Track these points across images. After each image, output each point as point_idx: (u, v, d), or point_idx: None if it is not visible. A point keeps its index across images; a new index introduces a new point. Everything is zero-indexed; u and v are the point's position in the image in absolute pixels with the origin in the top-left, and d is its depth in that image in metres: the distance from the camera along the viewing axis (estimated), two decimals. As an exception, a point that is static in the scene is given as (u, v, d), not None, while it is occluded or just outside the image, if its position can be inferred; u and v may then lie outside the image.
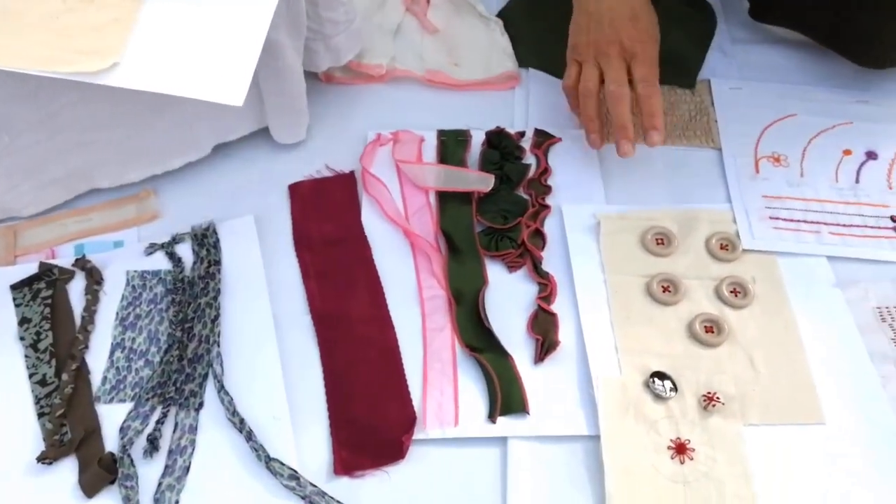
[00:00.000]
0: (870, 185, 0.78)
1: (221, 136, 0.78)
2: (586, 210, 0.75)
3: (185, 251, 0.72)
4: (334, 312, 0.68)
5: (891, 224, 0.75)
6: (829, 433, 0.61)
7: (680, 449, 0.60)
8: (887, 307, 0.69)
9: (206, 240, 0.72)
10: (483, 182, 0.76)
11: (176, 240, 0.73)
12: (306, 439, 0.61)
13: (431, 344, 0.66)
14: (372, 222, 0.75)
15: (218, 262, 0.70)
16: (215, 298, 0.68)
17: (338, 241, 0.73)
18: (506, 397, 0.63)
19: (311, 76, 0.84)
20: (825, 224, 0.75)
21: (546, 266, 0.72)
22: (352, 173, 0.79)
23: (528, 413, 0.62)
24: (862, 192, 0.77)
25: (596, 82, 0.74)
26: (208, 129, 0.77)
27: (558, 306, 0.69)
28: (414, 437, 0.61)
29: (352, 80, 0.87)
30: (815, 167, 0.79)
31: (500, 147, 0.79)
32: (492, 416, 0.62)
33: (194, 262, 0.71)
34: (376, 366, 0.65)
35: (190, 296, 0.68)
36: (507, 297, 0.70)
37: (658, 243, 0.73)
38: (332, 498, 0.57)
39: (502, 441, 0.61)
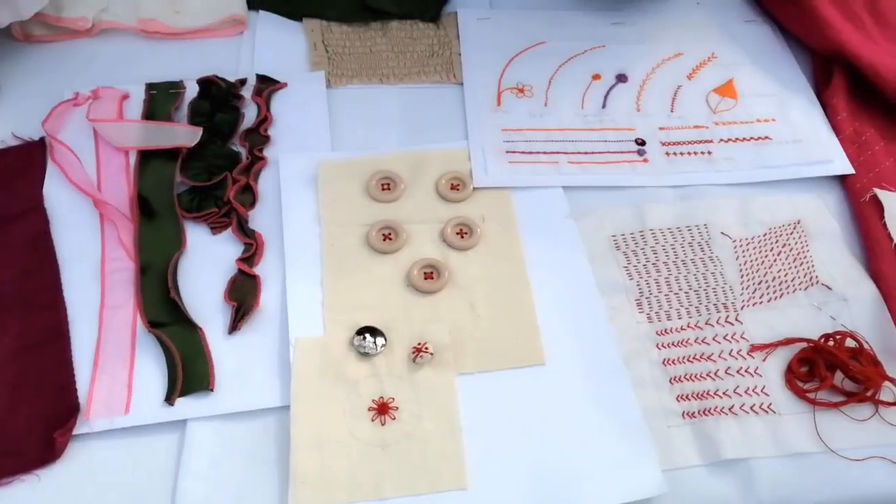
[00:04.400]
0: (617, 109, 0.73)
1: None
2: (307, 159, 0.67)
3: None
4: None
5: (635, 147, 0.71)
6: (549, 374, 0.56)
7: (382, 409, 0.54)
8: (623, 235, 0.64)
9: None
10: (188, 136, 0.67)
11: None
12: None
13: (108, 323, 0.57)
14: (56, 193, 0.65)
15: None
16: None
17: (11, 218, 0.63)
18: (188, 375, 0.54)
19: (3, 35, 0.74)
20: (565, 154, 0.69)
21: (257, 224, 0.64)
22: (41, 140, 0.68)
23: (211, 390, 0.54)
24: (608, 118, 0.73)
25: None
26: None
27: (265, 268, 0.61)
28: (76, 431, 0.52)
29: (54, 37, 0.76)
30: (561, 95, 0.74)
31: (211, 96, 0.70)
32: (169, 399, 0.54)
33: None
34: (32, 355, 0.56)
35: None
36: (207, 262, 0.61)
37: (384, 189, 0.66)
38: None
39: (184, 425, 0.54)
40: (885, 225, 0.64)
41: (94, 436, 0.53)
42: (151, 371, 0.55)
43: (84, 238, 0.62)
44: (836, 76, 0.75)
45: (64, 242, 0.62)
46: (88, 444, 0.52)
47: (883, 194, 0.66)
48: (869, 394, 0.56)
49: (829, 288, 0.61)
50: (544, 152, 0.70)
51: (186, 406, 0.54)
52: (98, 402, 0.53)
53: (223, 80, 0.71)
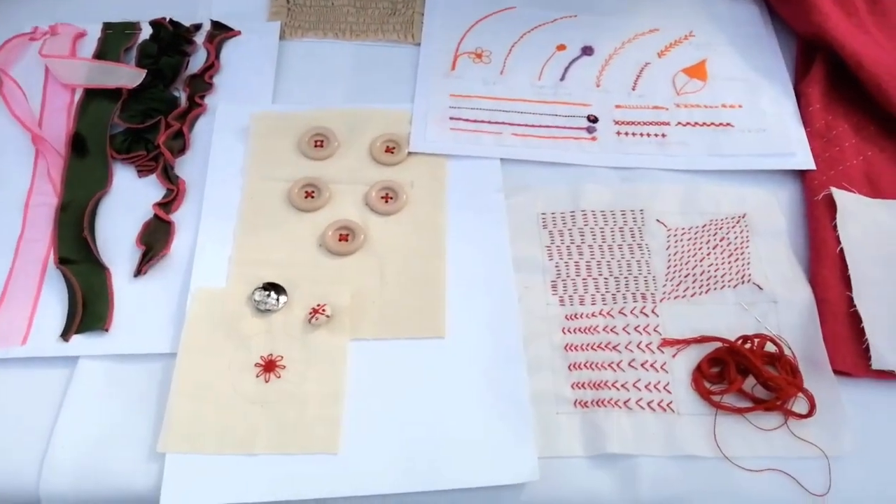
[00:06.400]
0: (576, 82, 0.70)
1: None
2: (245, 110, 0.66)
3: None
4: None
5: (586, 124, 0.67)
6: (446, 348, 0.55)
7: (268, 366, 0.53)
8: (553, 213, 0.62)
9: None
10: (131, 77, 0.67)
11: None
12: None
13: (23, 255, 0.58)
14: (-1, 125, 0.66)
15: None
16: None
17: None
18: (87, 314, 0.55)
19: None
20: (510, 125, 0.67)
21: (186, 171, 0.64)
22: (-7, 72, 0.70)
23: (106, 330, 0.55)
24: (564, 91, 0.69)
25: None
26: None
27: (183, 215, 0.61)
28: (-26, 358, 0.54)
29: (23, -29, 0.77)
30: (520, 64, 0.71)
31: (160, 40, 0.70)
32: (65, 335, 0.55)
33: None
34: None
35: None
36: (128, 204, 0.62)
37: (317, 146, 0.65)
38: None
39: (76, 362, 0.55)
40: (835, 227, 0.60)
41: (-10, 363, 0.54)
42: (54, 307, 0.56)
43: (17, 170, 0.63)
44: (816, 64, 0.69)
45: (-3, 175, 0.64)
46: (-16, 370, 0.54)
47: (839, 194, 0.61)
48: (779, 403, 0.53)
49: (760, 288, 0.58)
50: (489, 122, 0.67)
51: (81, 344, 0.54)
52: (-2, 331, 0.55)
53: (175, 23, 0.71)
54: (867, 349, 0.54)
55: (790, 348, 0.55)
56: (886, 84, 0.66)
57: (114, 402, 0.53)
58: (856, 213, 0.61)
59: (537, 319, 0.57)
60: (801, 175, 0.65)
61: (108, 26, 0.72)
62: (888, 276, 0.58)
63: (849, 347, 0.55)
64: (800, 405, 0.53)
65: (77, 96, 0.67)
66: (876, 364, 0.54)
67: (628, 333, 0.56)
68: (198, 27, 0.72)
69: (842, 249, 0.59)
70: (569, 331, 0.56)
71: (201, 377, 0.53)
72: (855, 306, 0.56)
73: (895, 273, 0.58)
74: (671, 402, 0.53)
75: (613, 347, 0.55)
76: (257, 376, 0.53)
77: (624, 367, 0.54)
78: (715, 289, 0.58)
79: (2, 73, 0.67)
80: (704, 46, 0.73)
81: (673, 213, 0.62)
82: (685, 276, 0.59)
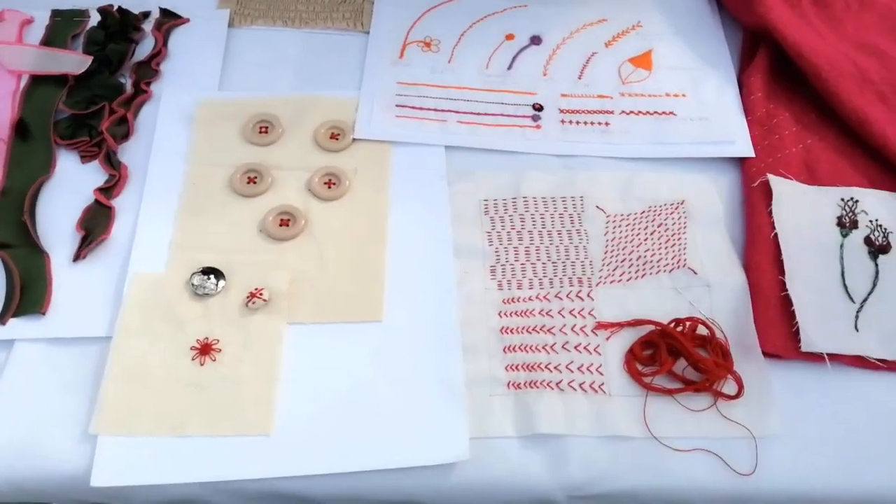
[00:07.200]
0: (523, 71, 0.71)
1: None
2: (190, 96, 0.67)
3: None
4: None
5: (531, 112, 0.68)
6: (384, 331, 0.55)
7: (204, 350, 0.54)
8: (495, 200, 0.62)
9: None
10: (77, 64, 0.67)
11: None
12: None
13: (-39, 241, 0.59)
14: (-59, 110, 0.66)
15: None
16: None
17: None
18: (25, 298, 0.55)
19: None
20: (456, 112, 0.67)
21: (129, 157, 0.64)
22: (-60, 57, 0.70)
23: (43, 314, 0.55)
24: (511, 80, 0.70)
25: None
26: None
27: (124, 201, 0.61)
28: None
29: (-27, -43, 0.77)
30: (468, 53, 0.72)
31: (108, 26, 0.70)
32: (1, 318, 0.54)
33: None
34: None
35: None
36: (71, 190, 0.61)
37: (261, 132, 0.65)
38: None
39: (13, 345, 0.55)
40: (770, 213, 0.61)
41: (-78, 350, 0.54)
42: (-7, 291, 0.57)
43: (-41, 156, 0.63)
44: (759, 54, 0.70)
45: (-61, 159, 0.63)
46: (-83, 357, 0.54)
47: (775, 180, 0.62)
48: (708, 385, 0.54)
49: (695, 273, 0.59)
50: (435, 109, 0.68)
51: (17, 327, 0.54)
52: (-71, 319, 0.55)
53: (123, 11, 0.71)
54: (797, 332, 0.55)
55: (722, 331, 0.56)
56: (826, 73, 0.67)
57: (49, 385, 0.53)
58: (791, 200, 0.62)
59: (475, 304, 0.57)
60: (741, 162, 0.66)
61: (56, 13, 0.72)
62: (819, 261, 0.59)
63: (779, 331, 0.56)
64: (729, 387, 0.54)
65: (23, 83, 0.67)
66: (805, 347, 0.55)
67: (563, 317, 0.57)
68: (147, 15, 0.72)
69: (776, 235, 0.60)
70: (505, 314, 0.57)
71: (136, 360, 0.53)
72: (787, 290, 0.57)
73: (826, 258, 0.59)
74: (603, 384, 0.54)
75: (548, 330, 0.56)
76: (192, 359, 0.53)
77: (558, 349, 0.55)
78: (651, 273, 0.59)
79: (-55, 58, 0.67)
80: (651, 36, 0.74)
81: (613, 200, 0.63)
82: (622, 262, 0.59)
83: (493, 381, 0.54)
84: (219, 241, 0.59)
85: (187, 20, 0.72)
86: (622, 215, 0.62)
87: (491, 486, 0.51)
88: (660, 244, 0.61)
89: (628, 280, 0.59)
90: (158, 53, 0.69)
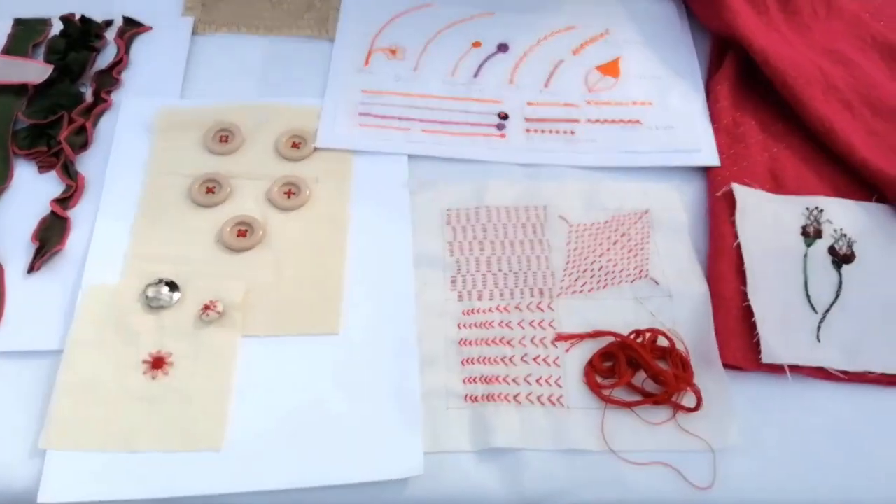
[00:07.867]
0: (489, 79, 0.70)
1: None
2: (150, 105, 0.66)
3: None
4: None
5: (496, 121, 0.67)
6: (340, 344, 0.54)
7: (156, 363, 0.53)
8: (457, 209, 0.62)
9: None
10: (37, 73, 0.66)
11: None
12: None
13: (-87, 253, 0.58)
14: None
15: None
16: None
17: None
18: (-25, 310, 0.55)
19: None
20: (420, 121, 0.67)
21: (87, 167, 0.63)
22: None
23: (-5, 328, 0.54)
24: (476, 88, 0.69)
25: None
26: None
27: (82, 211, 0.60)
28: None
29: (-64, -35, 0.76)
30: (434, 61, 0.71)
31: (69, 35, 0.69)
32: (-48, 333, 0.54)
33: None
34: None
35: None
36: (28, 200, 0.61)
37: (222, 141, 0.65)
38: None
39: (-33, 360, 0.54)
40: (733, 222, 0.60)
41: None
42: (-57, 303, 0.56)
43: (-85, 168, 0.63)
44: (726, 61, 0.70)
45: None
46: None
47: (739, 189, 0.62)
48: (667, 397, 0.53)
49: (657, 283, 0.58)
50: (399, 118, 0.67)
51: (-33, 341, 0.54)
52: None
53: (86, 19, 0.70)
54: (758, 343, 0.55)
55: (683, 342, 0.55)
56: (793, 80, 0.67)
57: (3, 400, 0.52)
58: (755, 209, 0.61)
59: (434, 315, 0.57)
60: (707, 171, 0.65)
61: (18, 22, 0.71)
62: (781, 271, 0.58)
63: (740, 342, 0.55)
64: (689, 399, 0.53)
65: (-18, 92, 0.67)
66: (766, 358, 0.54)
67: (523, 328, 0.56)
68: (109, 23, 0.72)
69: (738, 244, 0.59)
70: (464, 326, 0.56)
71: (86, 374, 0.52)
72: (748, 301, 0.56)
73: (788, 268, 0.58)
74: (561, 397, 0.53)
75: (507, 342, 0.55)
76: (144, 373, 0.53)
77: (516, 361, 0.54)
78: (612, 284, 0.58)
79: None
80: (619, 44, 0.73)
81: (576, 210, 0.62)
82: (583, 272, 0.59)
83: (450, 394, 0.53)
84: (175, 252, 0.58)
85: (149, 28, 0.71)
86: (585, 225, 0.61)
87: (446, 501, 0.50)
88: (622, 254, 0.60)
89: (590, 291, 0.58)
90: (120, 62, 0.68)
